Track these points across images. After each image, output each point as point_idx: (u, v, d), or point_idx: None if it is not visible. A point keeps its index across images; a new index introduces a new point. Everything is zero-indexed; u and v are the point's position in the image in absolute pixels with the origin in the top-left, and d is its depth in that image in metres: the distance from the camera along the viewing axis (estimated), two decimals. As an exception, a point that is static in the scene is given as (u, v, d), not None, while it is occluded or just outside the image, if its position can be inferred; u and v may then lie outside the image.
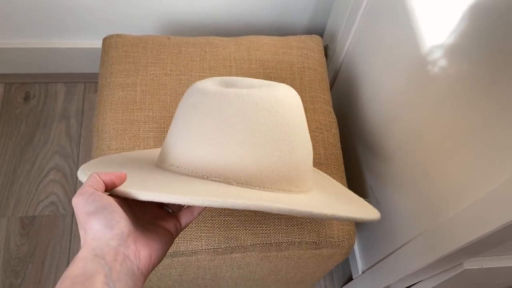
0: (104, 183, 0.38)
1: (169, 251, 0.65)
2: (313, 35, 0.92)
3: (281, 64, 0.84)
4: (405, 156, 0.72)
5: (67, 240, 1.13)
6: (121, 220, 0.35)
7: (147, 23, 1.16)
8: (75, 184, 1.19)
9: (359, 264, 1.00)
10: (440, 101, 0.61)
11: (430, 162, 0.64)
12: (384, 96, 0.79)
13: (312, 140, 0.56)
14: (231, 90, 0.46)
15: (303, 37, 0.90)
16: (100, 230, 0.34)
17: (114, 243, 0.34)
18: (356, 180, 0.99)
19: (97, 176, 0.37)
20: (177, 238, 0.65)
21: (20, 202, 1.15)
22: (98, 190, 0.36)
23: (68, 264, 1.09)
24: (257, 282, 0.90)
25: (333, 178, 0.74)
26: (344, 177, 0.76)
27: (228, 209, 0.68)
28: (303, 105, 0.75)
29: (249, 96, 0.45)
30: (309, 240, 0.68)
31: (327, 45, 1.08)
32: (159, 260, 0.38)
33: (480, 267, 0.64)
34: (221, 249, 0.66)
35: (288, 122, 0.46)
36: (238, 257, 0.70)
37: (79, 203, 0.35)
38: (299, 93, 0.58)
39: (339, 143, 0.79)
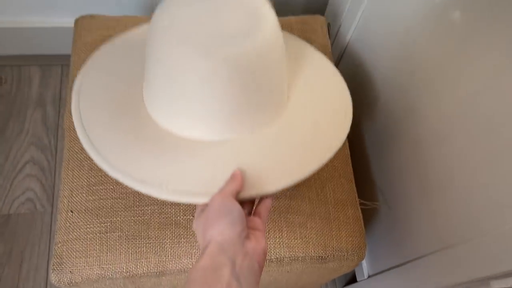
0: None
1: (156, 269, 0.57)
2: (316, 15, 0.83)
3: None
4: (426, 157, 0.65)
5: (47, 240, 1.05)
6: (240, 221, 0.41)
7: (127, 1, 1.05)
8: (54, 179, 1.10)
9: (365, 268, 0.93)
10: (473, 93, 0.53)
11: (461, 166, 0.56)
12: (400, 84, 0.70)
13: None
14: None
15: (305, 17, 0.81)
16: (226, 229, 0.40)
17: (236, 241, 0.40)
18: (363, 180, 0.91)
19: (239, 187, 0.45)
20: (164, 255, 0.58)
21: None
22: (233, 197, 0.44)
23: (48, 267, 1.03)
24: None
25: (341, 183, 0.67)
26: (353, 180, 0.68)
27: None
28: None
29: None
30: (314, 254, 0.61)
31: (329, 23, 0.98)
32: (266, 255, 0.45)
33: (509, 285, 0.58)
34: None
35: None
36: None
37: (217, 201, 0.42)
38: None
39: (347, 143, 0.71)
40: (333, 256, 0.62)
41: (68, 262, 0.56)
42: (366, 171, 0.90)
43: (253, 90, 0.51)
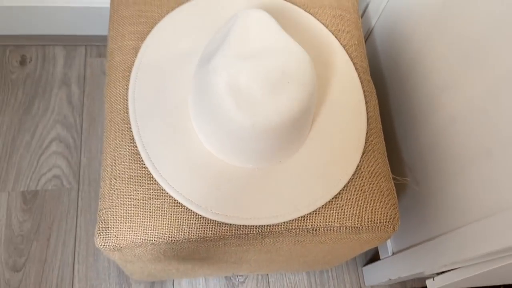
0: None
1: (195, 236, 0.60)
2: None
3: (312, 26, 0.77)
4: (459, 133, 0.66)
5: (73, 216, 1.08)
6: None
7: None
8: (79, 156, 1.13)
9: (389, 245, 0.96)
10: None
11: (497, 141, 0.58)
12: (434, 60, 0.71)
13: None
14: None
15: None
16: None
17: None
18: (391, 157, 0.93)
19: None
20: (204, 222, 0.61)
21: (21, 176, 1.10)
22: None
23: (75, 242, 1.06)
24: (282, 264, 0.86)
25: (374, 156, 0.69)
26: (385, 153, 0.70)
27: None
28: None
29: None
30: (350, 225, 0.63)
31: None
32: None
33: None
34: (252, 234, 0.61)
35: None
36: (269, 242, 0.65)
37: None
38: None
39: (379, 117, 0.73)
40: (368, 227, 0.64)
41: (113, 227, 0.59)
42: (394, 148, 0.92)
43: (293, 135, 0.61)
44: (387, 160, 0.71)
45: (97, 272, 1.04)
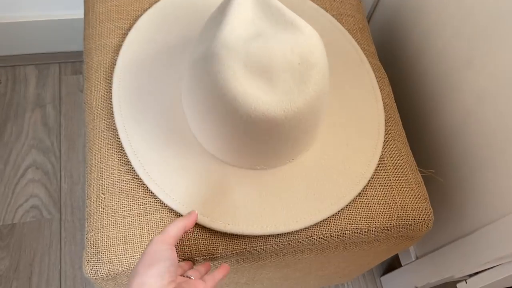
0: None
1: (203, 253, 0.52)
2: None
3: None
4: (488, 113, 0.60)
5: (57, 249, 0.98)
6: (170, 273, 0.39)
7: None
8: (59, 183, 1.03)
9: (412, 249, 0.88)
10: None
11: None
12: (450, 37, 0.66)
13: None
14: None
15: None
16: (150, 280, 0.38)
17: (162, 285, 0.38)
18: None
19: (178, 233, 0.44)
20: (212, 234, 0.53)
21: None
22: (175, 241, 0.44)
23: (60, 278, 0.96)
24: (297, 280, 0.78)
25: (396, 146, 0.62)
26: (407, 142, 0.64)
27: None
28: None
29: None
30: (379, 225, 0.56)
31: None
32: None
33: None
34: (269, 246, 0.53)
35: None
36: (289, 253, 0.58)
37: (153, 247, 0.41)
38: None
39: (395, 104, 0.66)
40: (398, 226, 0.57)
41: (105, 252, 0.50)
42: (410, 137, 0.86)
43: (301, 133, 0.53)
44: (409, 150, 0.64)
45: (87, 310, 0.93)
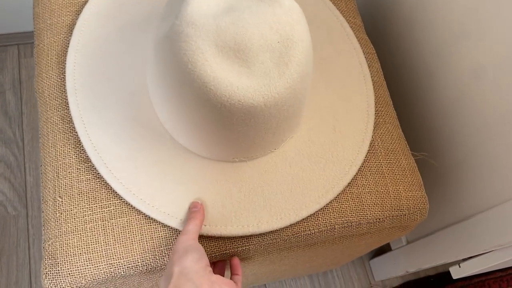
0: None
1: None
2: None
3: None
4: (486, 89, 0.56)
5: (24, 248, 0.92)
6: (205, 258, 0.41)
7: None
8: (24, 176, 0.97)
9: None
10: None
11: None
12: (442, 6, 0.62)
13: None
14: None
15: None
16: (190, 263, 0.39)
17: (201, 272, 0.39)
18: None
19: (198, 229, 0.45)
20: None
21: None
22: (197, 235, 0.44)
23: (30, 278, 0.90)
24: (284, 273, 0.74)
25: (388, 130, 0.57)
26: (399, 125, 0.59)
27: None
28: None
29: None
30: (371, 217, 0.51)
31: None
32: None
33: None
34: (252, 246, 0.49)
35: None
36: (274, 252, 0.54)
37: (181, 242, 0.42)
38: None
39: (385, 82, 0.61)
40: (392, 217, 0.53)
41: (64, 263, 0.44)
42: (401, 118, 0.83)
43: (283, 120, 0.47)
44: (402, 133, 0.59)
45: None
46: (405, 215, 0.54)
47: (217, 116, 0.43)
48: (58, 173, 0.48)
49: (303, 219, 0.50)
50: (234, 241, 0.48)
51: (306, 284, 0.96)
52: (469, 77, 0.59)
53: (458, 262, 0.75)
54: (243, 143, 0.48)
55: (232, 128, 0.45)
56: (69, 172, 0.48)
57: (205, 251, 0.46)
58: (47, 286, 0.45)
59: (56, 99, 0.52)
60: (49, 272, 0.44)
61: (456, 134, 0.65)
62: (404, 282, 0.96)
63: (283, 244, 0.51)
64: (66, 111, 0.51)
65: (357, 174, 0.53)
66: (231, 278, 0.47)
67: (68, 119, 0.50)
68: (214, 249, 0.48)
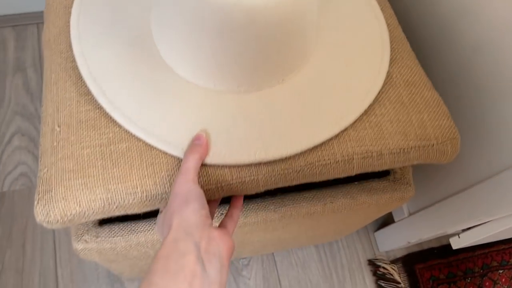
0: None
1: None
2: None
3: None
4: (484, 64, 0.55)
5: None
6: (204, 207, 0.38)
7: None
8: (47, 149, 0.99)
9: (405, 205, 0.82)
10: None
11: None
12: None
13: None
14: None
15: None
16: (190, 215, 0.36)
17: (200, 225, 0.36)
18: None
19: (197, 166, 0.40)
20: None
21: None
22: (196, 173, 0.40)
23: (54, 244, 0.93)
24: (289, 241, 0.75)
25: (406, 64, 0.51)
26: (418, 62, 0.53)
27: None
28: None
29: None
30: (393, 146, 0.45)
31: None
32: (232, 252, 0.38)
33: None
34: (261, 176, 0.45)
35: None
36: (274, 219, 0.53)
37: (180, 188, 0.38)
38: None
39: (400, 27, 0.55)
40: (418, 147, 0.46)
41: (59, 187, 0.40)
42: None
43: (287, 36, 0.43)
44: (422, 69, 0.52)
45: (83, 274, 0.90)
46: (433, 145, 0.46)
47: (216, 23, 0.38)
48: (58, 107, 0.45)
49: (316, 147, 0.44)
50: (241, 170, 0.42)
51: (312, 253, 0.94)
52: (469, 50, 0.58)
53: (457, 234, 0.75)
54: (246, 63, 0.43)
55: (232, 37, 0.39)
56: (68, 105, 0.44)
57: (210, 182, 0.42)
58: (39, 214, 0.40)
59: (61, 44, 0.49)
60: (42, 198, 0.40)
61: (457, 105, 0.62)
62: (408, 253, 0.94)
63: (296, 177, 0.44)
64: (70, 53, 0.47)
65: (374, 103, 0.47)
66: (227, 214, 0.43)
67: (71, 59, 0.47)
68: (219, 178, 0.42)
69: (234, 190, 0.43)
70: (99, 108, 0.44)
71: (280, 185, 0.45)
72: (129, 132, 0.43)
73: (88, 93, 0.45)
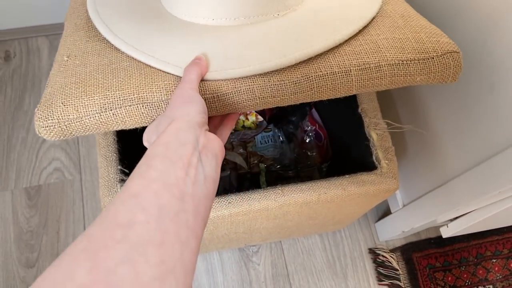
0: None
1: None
2: None
3: None
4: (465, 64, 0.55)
5: (80, 206, 0.98)
6: (204, 111, 0.38)
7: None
8: (78, 146, 1.02)
9: (399, 197, 0.86)
10: None
11: (498, 74, 0.52)
12: None
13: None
14: None
15: None
16: (192, 112, 0.36)
17: (201, 124, 0.36)
18: (386, 100, 0.88)
19: (198, 79, 0.40)
20: None
21: (22, 173, 1.00)
22: (197, 85, 0.40)
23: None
24: (292, 229, 0.83)
25: (396, 3, 0.51)
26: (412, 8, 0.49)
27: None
28: None
29: None
30: (391, 57, 0.44)
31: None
32: (224, 154, 0.38)
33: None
34: (257, 87, 0.45)
35: None
36: (275, 207, 0.62)
37: (181, 90, 0.38)
38: None
39: None
40: (418, 60, 0.44)
41: (60, 95, 0.40)
42: (389, 95, 0.87)
43: None
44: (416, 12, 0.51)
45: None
46: (433, 58, 0.44)
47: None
48: (69, 47, 0.47)
49: (312, 59, 0.43)
50: (236, 81, 0.42)
51: (317, 242, 0.97)
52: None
53: (446, 224, 0.82)
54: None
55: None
56: (78, 44, 0.47)
57: (206, 91, 0.42)
58: (38, 117, 0.40)
59: (80, 13, 0.51)
60: (43, 105, 0.40)
61: (434, 112, 0.66)
62: (406, 243, 0.96)
63: (294, 90, 0.43)
64: (86, 16, 0.50)
65: (369, 26, 0.46)
66: (217, 133, 0.43)
67: (86, 18, 0.50)
68: (215, 89, 0.41)
69: (230, 102, 0.42)
70: (106, 42, 0.46)
71: (278, 99, 0.43)
72: (130, 56, 0.44)
73: (96, 35, 0.47)
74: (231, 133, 0.90)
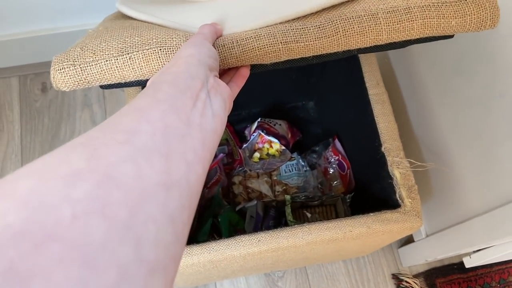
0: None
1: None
2: None
3: None
4: (479, 117, 0.61)
5: None
6: (217, 58, 0.37)
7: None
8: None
9: (422, 228, 0.87)
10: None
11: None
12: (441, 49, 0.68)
13: None
14: None
15: None
16: (204, 53, 0.35)
17: (211, 67, 0.34)
18: (408, 138, 0.91)
19: (213, 35, 0.40)
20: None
21: None
22: (208, 40, 0.39)
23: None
24: (318, 259, 0.86)
25: None
26: None
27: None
28: None
29: None
30: (422, 1, 0.42)
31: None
32: (231, 104, 0.37)
33: None
34: (279, 33, 0.44)
35: None
36: (302, 244, 0.64)
37: (197, 40, 0.37)
38: None
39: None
40: (449, 2, 0.43)
41: (80, 43, 0.42)
42: (408, 128, 0.89)
43: None
44: None
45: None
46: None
47: None
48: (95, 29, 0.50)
49: (335, 6, 0.43)
50: (256, 29, 0.43)
51: (341, 267, 0.99)
52: (464, 105, 0.63)
53: (469, 254, 0.83)
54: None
55: None
56: (104, 23, 0.52)
57: (225, 38, 0.43)
58: (54, 61, 0.41)
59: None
60: (61, 53, 0.42)
61: (461, 145, 0.68)
62: (430, 268, 0.98)
63: (318, 35, 0.42)
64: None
65: None
66: (232, 80, 0.42)
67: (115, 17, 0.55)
68: (235, 35, 0.42)
69: (250, 47, 0.41)
70: (129, 19, 0.51)
71: (301, 45, 0.41)
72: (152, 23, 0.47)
73: (122, 16, 0.53)
74: (256, 162, 0.93)
